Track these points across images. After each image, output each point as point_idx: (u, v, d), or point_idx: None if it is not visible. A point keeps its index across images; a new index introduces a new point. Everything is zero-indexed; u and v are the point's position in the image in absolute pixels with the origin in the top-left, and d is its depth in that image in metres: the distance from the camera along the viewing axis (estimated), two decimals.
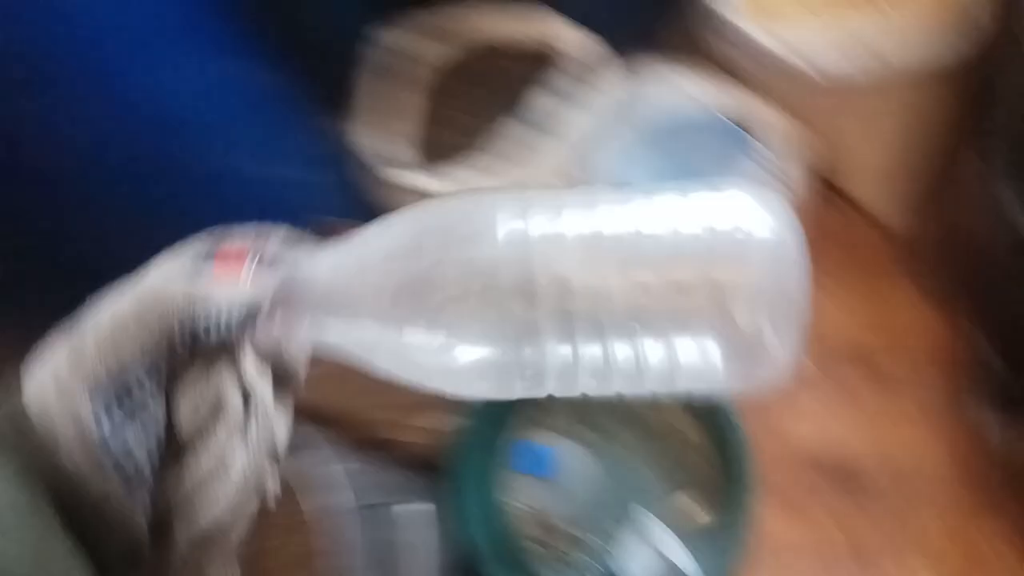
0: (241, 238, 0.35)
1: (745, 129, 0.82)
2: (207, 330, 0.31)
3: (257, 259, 0.34)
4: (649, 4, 0.93)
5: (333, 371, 0.62)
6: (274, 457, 0.33)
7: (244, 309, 0.32)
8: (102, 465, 0.29)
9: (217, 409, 0.31)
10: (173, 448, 0.31)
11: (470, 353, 0.34)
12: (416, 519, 0.69)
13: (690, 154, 0.83)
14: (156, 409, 0.30)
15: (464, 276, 0.33)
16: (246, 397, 0.31)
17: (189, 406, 0.31)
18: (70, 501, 0.28)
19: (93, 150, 0.64)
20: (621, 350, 0.34)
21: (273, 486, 0.33)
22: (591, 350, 0.34)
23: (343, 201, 0.81)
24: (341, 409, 0.72)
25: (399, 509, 0.68)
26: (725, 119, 0.82)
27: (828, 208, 0.93)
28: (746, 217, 0.35)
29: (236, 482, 0.30)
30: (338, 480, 0.61)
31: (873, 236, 0.92)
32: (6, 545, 0.26)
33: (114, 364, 0.29)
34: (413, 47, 0.87)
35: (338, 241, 0.36)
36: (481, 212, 0.35)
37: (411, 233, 0.35)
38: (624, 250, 0.34)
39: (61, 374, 0.29)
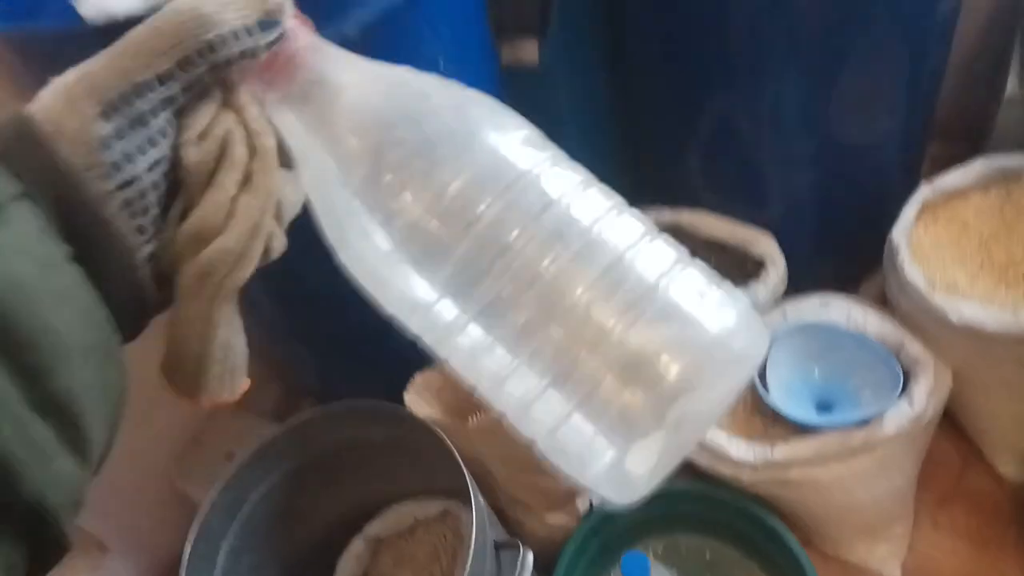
0: None
1: (899, 360, 0.93)
2: (223, 40, 0.29)
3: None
4: (854, 261, 1.10)
5: (493, 427, 0.81)
6: (279, 217, 0.32)
7: (269, 10, 0.31)
8: (104, 166, 0.27)
9: (224, 152, 0.30)
10: (178, 192, 0.30)
11: (400, 268, 0.32)
12: None
13: (843, 368, 0.95)
14: (161, 138, 0.29)
15: (456, 190, 0.31)
16: (252, 148, 0.31)
17: (193, 139, 0.30)
18: (65, 199, 0.27)
19: None
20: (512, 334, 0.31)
21: (279, 244, 0.32)
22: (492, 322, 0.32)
23: None
24: (491, 469, 0.89)
25: None
26: (882, 347, 0.94)
27: (947, 443, 1.00)
28: (727, 313, 0.32)
29: (241, 229, 0.30)
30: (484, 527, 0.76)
31: (988, 481, 0.98)
32: (65, 312, 0.25)
33: (126, 85, 0.28)
34: None
35: (373, 64, 0.34)
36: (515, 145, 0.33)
37: (444, 117, 0.33)
38: (609, 260, 0.31)
39: (69, 84, 0.28)
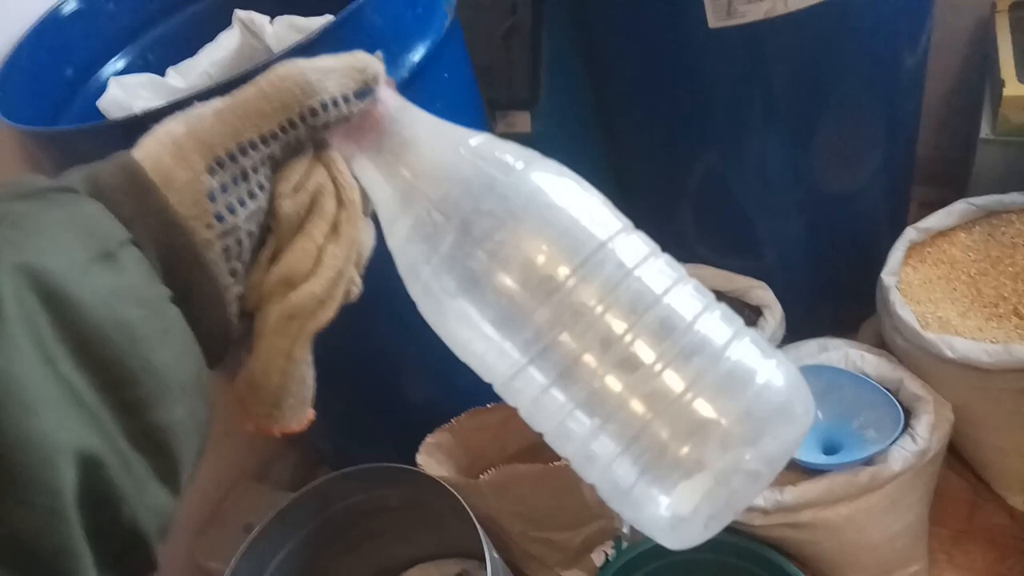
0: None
1: (897, 398, 0.95)
2: (324, 107, 0.31)
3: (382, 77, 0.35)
4: (850, 305, 1.13)
5: (504, 484, 0.83)
6: (359, 264, 0.35)
7: (365, 81, 0.33)
8: (209, 217, 0.29)
9: (314, 203, 0.32)
10: (268, 238, 0.32)
11: (479, 325, 0.33)
12: None
13: (846, 409, 0.97)
14: (260, 192, 0.31)
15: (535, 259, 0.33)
16: (340, 201, 0.33)
17: (288, 191, 0.32)
18: (171, 246, 0.29)
19: None
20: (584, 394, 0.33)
21: (357, 289, 0.35)
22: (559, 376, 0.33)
23: None
24: (504, 526, 0.91)
25: None
26: (882, 387, 0.96)
27: (958, 479, 1.01)
28: (779, 377, 0.34)
29: (328, 277, 0.32)
30: None
31: (1000, 514, 0.98)
32: (170, 350, 0.27)
33: (233, 143, 0.30)
34: None
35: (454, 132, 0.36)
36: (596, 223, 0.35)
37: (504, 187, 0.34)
38: (672, 331, 0.33)
39: (179, 139, 0.30)
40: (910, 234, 1.02)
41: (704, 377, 0.33)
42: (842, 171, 1.05)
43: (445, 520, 0.81)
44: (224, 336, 0.31)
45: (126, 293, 0.26)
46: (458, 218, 0.33)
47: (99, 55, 0.86)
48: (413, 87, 0.72)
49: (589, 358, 0.33)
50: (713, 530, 0.34)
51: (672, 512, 0.33)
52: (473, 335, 0.34)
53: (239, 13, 0.83)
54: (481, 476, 0.85)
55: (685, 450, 0.32)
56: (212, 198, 0.29)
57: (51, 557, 0.23)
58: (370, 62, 0.34)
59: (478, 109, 0.89)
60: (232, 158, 0.30)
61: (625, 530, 1.01)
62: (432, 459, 0.90)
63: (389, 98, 0.35)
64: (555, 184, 0.35)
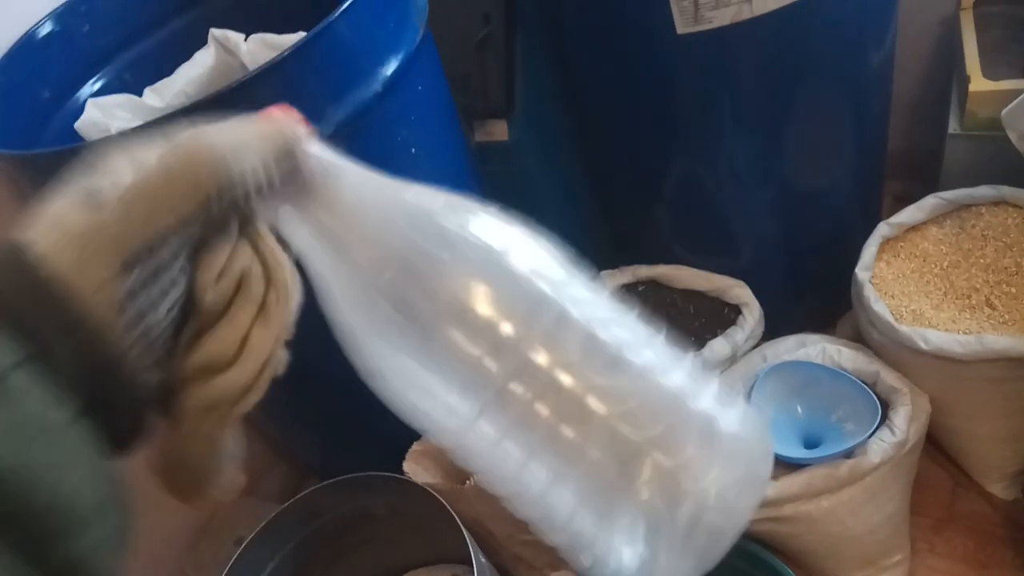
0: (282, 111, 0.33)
1: (875, 391, 0.96)
2: (242, 178, 0.29)
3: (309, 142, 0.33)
4: (828, 301, 1.15)
5: (488, 489, 0.84)
6: (287, 335, 0.32)
7: (284, 152, 0.31)
8: (123, 323, 0.27)
9: (241, 286, 0.30)
10: (189, 318, 0.30)
11: (408, 371, 0.33)
12: None
13: (824, 404, 0.99)
14: (180, 278, 0.29)
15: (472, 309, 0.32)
16: (269, 280, 0.31)
17: (212, 280, 0.30)
18: (80, 361, 0.26)
19: None
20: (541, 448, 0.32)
21: (283, 367, 0.32)
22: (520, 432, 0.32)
23: None
24: (492, 530, 0.92)
25: None
26: (859, 381, 0.97)
27: (937, 468, 1.03)
28: (742, 427, 0.34)
29: (255, 363, 0.30)
30: None
31: (980, 502, 1.00)
32: (72, 478, 0.25)
33: (149, 234, 0.27)
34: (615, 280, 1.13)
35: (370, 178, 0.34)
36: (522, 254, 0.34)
37: (443, 231, 0.33)
38: (611, 371, 0.32)
39: (83, 235, 0.27)
40: (883, 229, 1.04)
41: (662, 426, 0.32)
42: (814, 169, 1.06)
43: (433, 527, 0.82)
44: (143, 423, 0.29)
45: (21, 425, 0.24)
46: (397, 273, 0.32)
47: (76, 76, 0.87)
48: (387, 100, 0.73)
49: (540, 407, 0.32)
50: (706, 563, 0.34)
51: (635, 567, 0.33)
52: (418, 393, 0.33)
53: (215, 32, 0.84)
54: (467, 482, 0.86)
55: (645, 500, 0.32)
56: (131, 298, 0.27)
57: None
58: (285, 123, 0.32)
59: (452, 119, 0.90)
60: (149, 250, 0.27)
61: None
62: (418, 466, 0.91)
63: (315, 155, 0.33)
64: (499, 232, 0.34)
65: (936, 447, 1.05)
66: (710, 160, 1.04)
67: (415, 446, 0.93)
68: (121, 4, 0.90)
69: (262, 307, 0.31)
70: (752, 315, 1.05)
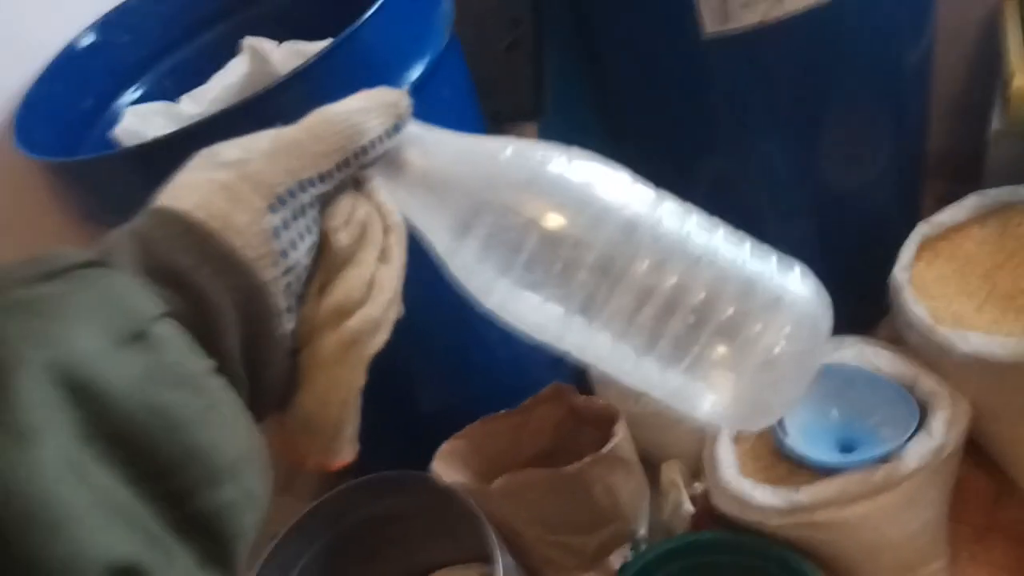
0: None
1: (913, 395, 0.94)
2: (372, 145, 0.33)
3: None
4: (867, 303, 1.12)
5: (516, 490, 0.84)
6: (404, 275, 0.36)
7: (399, 117, 0.35)
8: (272, 257, 0.29)
9: (364, 232, 0.33)
10: (316, 270, 0.33)
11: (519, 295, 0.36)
12: None
13: (861, 407, 0.97)
14: (314, 228, 0.32)
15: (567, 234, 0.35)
16: (386, 227, 0.35)
17: (341, 226, 0.33)
18: (241, 299, 0.28)
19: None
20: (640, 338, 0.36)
21: (402, 309, 0.35)
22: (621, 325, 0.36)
23: (567, 377, 1.06)
24: (520, 530, 0.92)
25: None
26: (897, 384, 0.95)
27: (980, 475, 1.00)
28: (799, 286, 0.38)
29: (384, 299, 0.33)
30: None
31: (1022, 510, 0.97)
32: (232, 430, 0.27)
33: (292, 181, 0.30)
34: None
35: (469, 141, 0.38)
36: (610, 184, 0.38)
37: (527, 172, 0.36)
38: (695, 261, 0.36)
39: (229, 183, 0.29)
40: (922, 229, 1.01)
41: (739, 301, 0.36)
42: (850, 171, 1.04)
43: (461, 526, 0.83)
44: (288, 376, 0.31)
45: (161, 374, 0.25)
46: (523, 217, 0.35)
47: (116, 86, 0.90)
48: (413, 105, 0.74)
49: (637, 306, 0.36)
50: (781, 406, 0.39)
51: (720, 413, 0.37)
52: (546, 315, 0.37)
53: (248, 40, 0.86)
54: (495, 482, 0.86)
55: (724, 356, 0.36)
56: (276, 235, 0.30)
57: None
58: (400, 97, 0.36)
59: (478, 123, 0.91)
60: (292, 195, 0.30)
61: (642, 532, 1.01)
62: (447, 466, 0.92)
63: (416, 128, 0.37)
64: (595, 167, 0.38)
65: (978, 453, 1.02)
66: (744, 162, 1.03)
67: (444, 446, 0.94)
68: (160, 14, 0.93)
69: (384, 250, 0.34)
70: None
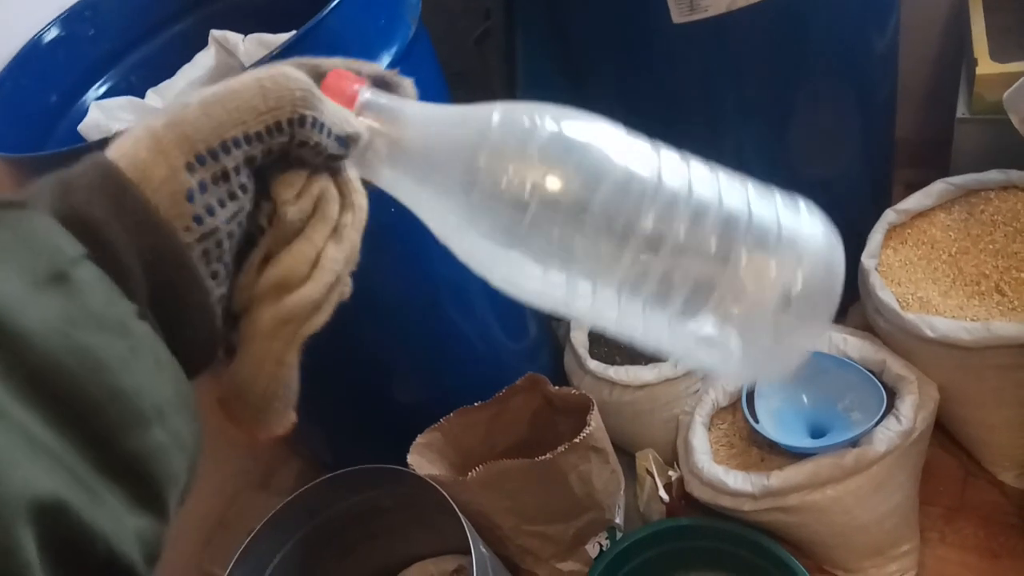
0: (346, 69, 0.35)
1: (881, 380, 0.96)
2: (313, 124, 0.31)
3: (364, 102, 0.35)
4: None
5: (492, 480, 0.85)
6: (352, 266, 0.34)
7: (349, 134, 0.33)
8: (185, 217, 0.28)
9: (317, 207, 0.32)
10: (256, 240, 0.31)
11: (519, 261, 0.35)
12: None
13: (830, 393, 0.98)
14: (241, 195, 0.30)
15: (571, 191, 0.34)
16: (346, 205, 0.33)
17: (291, 198, 0.31)
18: (152, 258, 0.27)
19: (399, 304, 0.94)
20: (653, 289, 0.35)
21: (348, 291, 0.34)
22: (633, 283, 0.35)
23: (541, 368, 1.06)
24: (497, 521, 0.92)
25: None
26: (865, 369, 0.97)
27: (948, 457, 1.02)
28: (808, 223, 0.37)
29: (326, 281, 0.31)
30: None
31: (991, 491, 0.99)
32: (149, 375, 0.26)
33: (215, 140, 0.29)
34: None
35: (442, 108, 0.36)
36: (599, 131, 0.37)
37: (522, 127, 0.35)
38: (702, 208, 0.35)
39: (157, 131, 0.28)
40: (889, 216, 1.03)
41: (749, 240, 0.35)
42: (820, 157, 1.05)
43: (438, 518, 0.83)
44: (210, 342, 0.30)
45: (83, 317, 0.24)
46: (520, 184, 0.34)
47: (82, 80, 0.89)
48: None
49: (646, 260, 0.35)
50: (798, 354, 0.37)
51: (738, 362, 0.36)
52: (551, 281, 0.36)
53: (215, 33, 0.85)
54: (470, 473, 0.87)
55: (738, 300, 0.35)
56: (190, 198, 0.28)
57: None
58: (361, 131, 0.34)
59: None
60: (213, 155, 0.28)
61: (618, 520, 1.02)
62: (423, 459, 0.92)
63: (400, 103, 0.35)
64: (588, 124, 0.37)
65: (947, 436, 1.04)
66: (714, 149, 1.01)
67: (419, 439, 0.94)
68: (125, 8, 0.92)
69: (336, 228, 0.32)
70: None
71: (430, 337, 0.99)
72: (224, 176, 0.29)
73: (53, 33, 0.86)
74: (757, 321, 0.35)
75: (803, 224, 0.37)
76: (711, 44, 0.92)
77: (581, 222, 0.34)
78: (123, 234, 0.26)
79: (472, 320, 1.03)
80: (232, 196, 0.29)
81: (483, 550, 0.78)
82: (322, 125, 0.31)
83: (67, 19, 0.87)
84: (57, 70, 0.86)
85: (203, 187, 0.28)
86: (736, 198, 0.37)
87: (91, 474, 0.24)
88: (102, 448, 0.24)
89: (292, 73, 0.30)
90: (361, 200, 0.34)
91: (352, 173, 0.34)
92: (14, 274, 0.24)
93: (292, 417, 0.34)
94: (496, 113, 0.35)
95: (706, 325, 0.35)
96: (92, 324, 0.24)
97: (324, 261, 0.31)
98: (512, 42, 1.02)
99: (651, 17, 0.89)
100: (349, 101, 0.34)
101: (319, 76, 0.34)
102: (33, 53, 0.84)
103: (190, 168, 0.28)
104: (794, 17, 0.90)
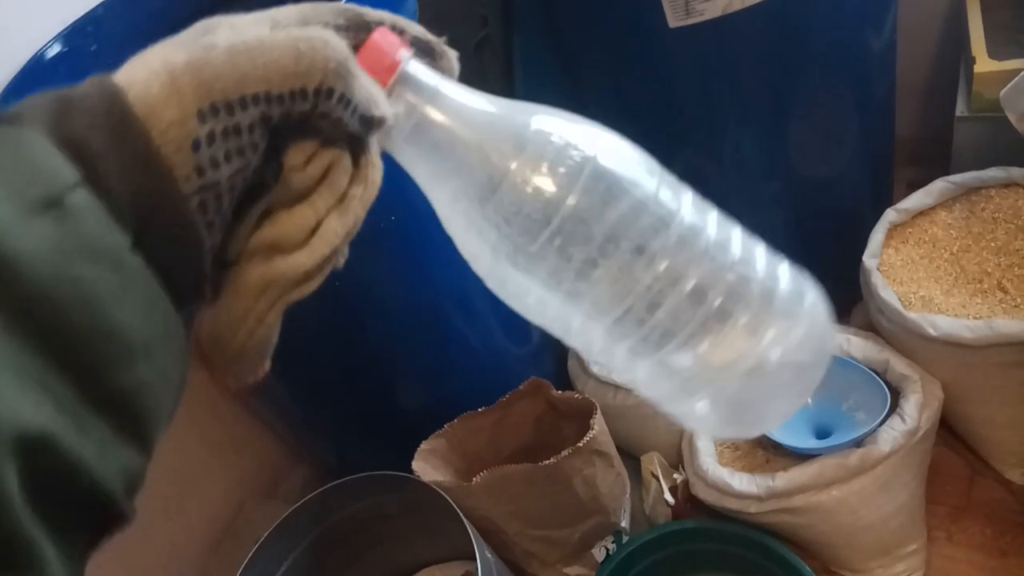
0: (392, 26, 0.34)
1: (885, 379, 0.96)
2: (339, 99, 0.29)
3: (403, 75, 0.33)
4: (840, 291, 1.13)
5: (497, 485, 0.85)
6: (356, 232, 0.33)
7: (375, 116, 0.31)
8: (188, 167, 0.26)
9: (327, 175, 0.31)
10: (259, 197, 0.30)
11: (516, 268, 0.34)
12: None
13: (834, 393, 0.98)
14: (253, 157, 0.28)
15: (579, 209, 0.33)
16: (358, 179, 0.31)
17: (300, 163, 0.30)
18: (146, 201, 0.26)
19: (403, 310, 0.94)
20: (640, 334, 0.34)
21: (343, 261, 0.33)
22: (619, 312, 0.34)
23: (545, 373, 1.07)
24: (502, 526, 0.93)
25: None
26: (868, 369, 0.97)
27: (954, 456, 1.02)
28: (809, 295, 0.36)
29: (322, 252, 0.30)
30: None
31: (998, 489, 0.99)
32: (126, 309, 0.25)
33: (235, 92, 0.27)
34: None
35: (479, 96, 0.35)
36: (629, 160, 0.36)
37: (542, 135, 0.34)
38: (714, 265, 0.34)
39: (176, 69, 0.26)
40: (890, 216, 1.03)
41: (724, 295, 0.34)
42: (819, 158, 1.06)
43: (443, 524, 0.83)
44: (196, 289, 0.28)
45: (75, 246, 0.23)
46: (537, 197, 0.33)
47: None
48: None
49: (625, 285, 0.34)
50: (773, 418, 0.36)
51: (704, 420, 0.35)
52: (519, 283, 0.35)
53: None
54: (475, 479, 0.87)
55: (707, 359, 0.34)
56: (196, 147, 0.26)
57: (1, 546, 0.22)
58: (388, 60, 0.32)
59: None
60: (229, 108, 0.27)
61: (624, 523, 1.02)
62: (428, 465, 0.92)
63: (413, 77, 0.33)
64: (621, 153, 0.37)
65: (952, 434, 1.04)
66: (714, 152, 1.04)
67: (424, 445, 0.94)
68: (128, 23, 0.93)
69: (342, 199, 0.31)
70: None
71: (434, 343, 1.00)
72: (236, 131, 0.27)
73: (55, 49, 0.87)
74: (740, 382, 0.34)
75: (808, 295, 0.36)
76: (708, 47, 0.92)
77: (592, 262, 0.34)
78: (120, 171, 0.25)
79: (475, 325, 1.03)
80: (240, 152, 0.28)
81: (488, 555, 0.78)
82: (348, 102, 0.29)
83: (69, 35, 0.88)
84: (60, 86, 0.87)
85: (211, 138, 0.27)
86: (746, 257, 0.36)
87: (78, 406, 0.23)
88: (89, 381, 0.24)
89: (332, 41, 0.29)
90: (375, 175, 0.32)
91: (372, 147, 0.32)
92: (6, 197, 0.23)
93: (265, 369, 0.33)
94: (532, 124, 0.34)
95: (689, 377, 0.35)
96: (85, 255, 0.24)
97: (324, 231, 0.30)
98: (510, 48, 1.03)
99: (647, 22, 0.90)
100: (388, 70, 0.32)
101: (361, 27, 0.33)
102: (36, 69, 0.85)
103: (202, 116, 0.26)
104: (790, 18, 0.90)
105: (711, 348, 0.34)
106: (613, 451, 0.96)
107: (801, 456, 0.95)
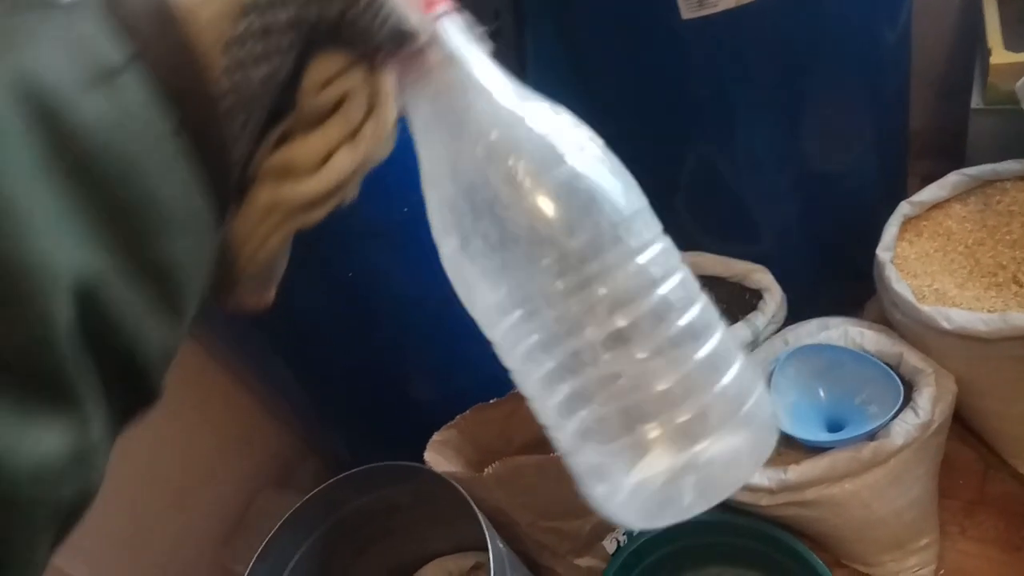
0: None
1: (899, 373, 0.95)
2: (374, 13, 0.29)
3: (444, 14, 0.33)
4: (854, 284, 1.13)
5: (508, 476, 0.85)
6: (364, 174, 0.32)
7: (405, 31, 0.31)
8: (223, 62, 0.27)
9: (342, 105, 0.30)
10: (281, 118, 0.30)
11: (474, 268, 0.34)
12: None
13: (847, 386, 0.98)
14: (282, 59, 0.28)
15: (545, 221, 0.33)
16: (372, 113, 0.31)
17: (315, 86, 0.30)
18: (183, 97, 0.26)
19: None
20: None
21: (352, 196, 0.33)
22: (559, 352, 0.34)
23: None
24: (514, 517, 0.93)
25: None
26: (882, 363, 0.96)
27: (967, 450, 1.01)
28: (763, 399, 0.35)
29: (330, 181, 0.30)
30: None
31: (1012, 483, 0.98)
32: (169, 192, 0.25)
33: None
34: None
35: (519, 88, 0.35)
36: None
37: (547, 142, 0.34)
38: (676, 337, 0.33)
39: None
40: (904, 208, 1.02)
41: (683, 366, 0.33)
42: (833, 150, 1.05)
43: (455, 515, 0.84)
44: (225, 189, 0.29)
45: (128, 121, 0.25)
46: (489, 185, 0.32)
47: None
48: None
49: (585, 332, 0.33)
50: (688, 510, 0.34)
51: (640, 493, 0.33)
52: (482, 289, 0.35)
53: None
54: (487, 470, 0.87)
55: (650, 432, 0.33)
56: (228, 49, 0.27)
57: (43, 382, 0.22)
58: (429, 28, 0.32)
59: None
60: (266, 7, 0.27)
61: None
62: (440, 456, 0.93)
63: (438, 49, 0.33)
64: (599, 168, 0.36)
65: (966, 428, 1.04)
66: (727, 145, 1.03)
67: (436, 436, 0.95)
68: None
69: (355, 132, 0.31)
70: (773, 300, 1.05)
71: (445, 335, 1.00)
72: (267, 33, 0.27)
73: None
74: (661, 473, 0.33)
75: (760, 400, 0.35)
76: (721, 39, 0.92)
77: (556, 293, 0.33)
78: (158, 63, 0.26)
79: None
80: (267, 58, 0.28)
81: (500, 546, 0.78)
82: (380, 8, 0.29)
83: None
84: None
85: (243, 39, 0.27)
86: (711, 350, 0.34)
87: (125, 272, 0.24)
88: (135, 245, 0.25)
89: None
90: (389, 115, 0.32)
91: (390, 84, 0.32)
92: (67, 69, 0.24)
93: (269, 297, 0.33)
94: (539, 124, 0.34)
95: (610, 453, 0.33)
96: (136, 131, 0.25)
97: (334, 162, 0.30)
98: (521, 41, 1.03)
99: (660, 14, 0.89)
100: (429, 4, 0.32)
101: None
102: None
103: (236, 17, 0.27)
104: (804, 10, 0.89)
105: (638, 433, 0.33)
106: None
107: (813, 449, 0.95)
